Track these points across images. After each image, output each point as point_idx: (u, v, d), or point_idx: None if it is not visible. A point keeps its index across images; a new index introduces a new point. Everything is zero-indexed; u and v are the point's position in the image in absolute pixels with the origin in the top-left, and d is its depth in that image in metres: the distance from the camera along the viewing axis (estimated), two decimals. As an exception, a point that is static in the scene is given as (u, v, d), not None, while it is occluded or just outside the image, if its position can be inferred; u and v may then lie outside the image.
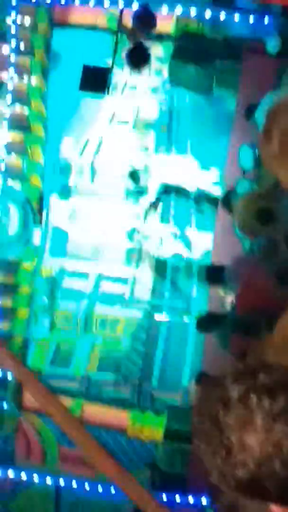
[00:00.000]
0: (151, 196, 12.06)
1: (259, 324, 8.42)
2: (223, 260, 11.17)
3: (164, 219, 12.13)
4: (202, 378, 9.45)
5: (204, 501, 10.89)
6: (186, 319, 11.92)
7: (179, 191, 12.03)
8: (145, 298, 12.15)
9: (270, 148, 3.15)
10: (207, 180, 11.90)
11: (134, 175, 11.81)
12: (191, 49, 11.24)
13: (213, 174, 11.86)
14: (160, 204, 12.10)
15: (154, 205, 12.04)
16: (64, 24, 11.80)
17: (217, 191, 11.74)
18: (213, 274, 11.10)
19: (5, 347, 3.03)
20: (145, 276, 12.15)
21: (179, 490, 10.97)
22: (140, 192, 12.09)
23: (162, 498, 10.71)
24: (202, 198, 11.97)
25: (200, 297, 11.85)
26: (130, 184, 11.96)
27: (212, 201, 11.79)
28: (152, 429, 11.79)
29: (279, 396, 2.15)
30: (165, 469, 11.30)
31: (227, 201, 10.23)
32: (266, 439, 2.12)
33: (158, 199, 12.06)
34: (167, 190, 12.04)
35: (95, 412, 11.91)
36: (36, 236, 12.13)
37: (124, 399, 12.02)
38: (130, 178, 11.88)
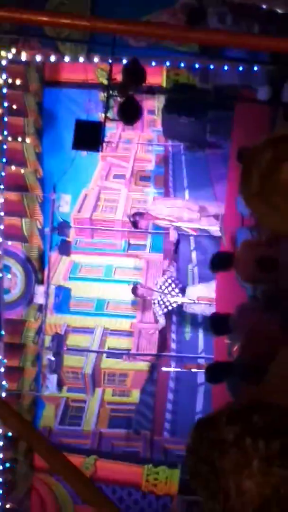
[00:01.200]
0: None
1: (264, 371, 8.34)
2: (227, 307, 11.11)
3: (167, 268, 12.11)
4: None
5: None
6: (193, 369, 11.84)
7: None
8: (152, 350, 12.09)
9: (250, 187, 3.14)
10: (207, 222, 11.88)
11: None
12: (183, 100, 11.28)
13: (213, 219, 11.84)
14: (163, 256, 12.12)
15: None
16: (54, 81, 11.85)
17: (217, 232, 11.70)
18: (218, 323, 11.03)
19: (8, 406, 2.97)
20: (151, 328, 12.09)
21: None
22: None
23: None
24: (204, 239, 11.98)
25: (207, 347, 11.78)
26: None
27: (214, 241, 11.78)
28: (166, 483, 11.68)
29: (274, 439, 2.11)
30: (182, 523, 11.18)
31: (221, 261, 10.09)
32: (263, 483, 2.08)
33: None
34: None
35: (109, 468, 11.83)
36: (39, 295, 12.12)
37: (137, 453, 11.93)
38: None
